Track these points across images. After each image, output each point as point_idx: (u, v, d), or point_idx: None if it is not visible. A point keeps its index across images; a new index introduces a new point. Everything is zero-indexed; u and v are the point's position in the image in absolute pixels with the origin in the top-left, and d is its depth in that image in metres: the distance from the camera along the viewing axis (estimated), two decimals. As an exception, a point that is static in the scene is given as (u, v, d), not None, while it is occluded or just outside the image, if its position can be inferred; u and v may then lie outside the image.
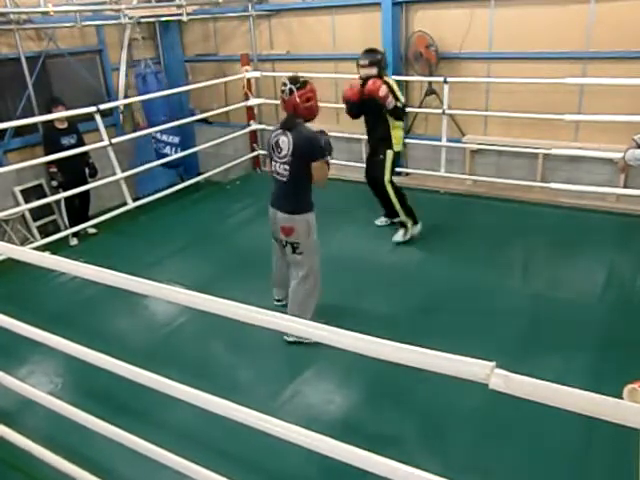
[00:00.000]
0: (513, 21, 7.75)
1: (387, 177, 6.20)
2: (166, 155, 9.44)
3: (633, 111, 6.55)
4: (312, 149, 4.48)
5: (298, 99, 4.46)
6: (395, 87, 6.06)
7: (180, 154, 9.22)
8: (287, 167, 4.52)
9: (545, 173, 7.82)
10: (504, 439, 3.60)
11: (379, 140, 6.27)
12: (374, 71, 5.99)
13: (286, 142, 4.49)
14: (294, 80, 4.53)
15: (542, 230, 6.54)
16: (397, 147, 6.26)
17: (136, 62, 10.06)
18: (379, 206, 6.58)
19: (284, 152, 4.51)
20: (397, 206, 6.25)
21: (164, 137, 9.67)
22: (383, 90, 5.81)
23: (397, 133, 6.22)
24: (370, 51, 6.14)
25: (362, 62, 6.06)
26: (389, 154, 6.20)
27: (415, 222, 6.36)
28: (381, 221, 6.86)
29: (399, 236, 6.34)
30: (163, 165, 9.04)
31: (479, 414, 3.77)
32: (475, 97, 8.12)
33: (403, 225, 6.35)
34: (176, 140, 9.78)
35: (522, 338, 4.60)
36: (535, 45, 7.63)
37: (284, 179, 4.59)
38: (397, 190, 6.29)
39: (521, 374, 1.68)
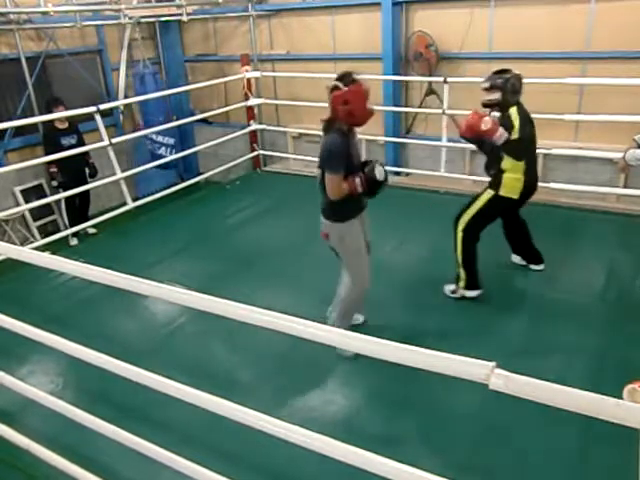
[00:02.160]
0: (513, 21, 7.76)
1: (464, 223, 5.10)
2: (161, 156, 9.45)
3: (633, 111, 6.56)
4: (323, 159, 4.09)
5: (334, 99, 4.00)
6: (514, 117, 4.86)
7: (175, 156, 9.23)
8: (318, 171, 4.18)
9: (545, 173, 7.81)
10: (504, 439, 3.60)
11: (491, 175, 5.16)
12: (496, 96, 4.92)
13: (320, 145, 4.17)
14: (341, 77, 4.03)
15: (542, 230, 6.52)
16: (503, 191, 4.99)
17: (136, 62, 10.07)
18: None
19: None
20: (459, 257, 5.15)
21: (159, 138, 9.69)
22: (487, 123, 4.78)
23: (511, 176, 4.96)
24: (497, 72, 4.98)
25: (482, 85, 5.02)
26: (484, 196, 5.07)
27: (472, 287, 5.16)
28: (515, 258, 5.76)
29: (447, 289, 5.31)
30: (158, 166, 9.03)
31: (479, 413, 3.77)
32: (475, 97, 8.09)
33: (457, 278, 5.22)
34: (171, 141, 9.80)
35: (522, 338, 4.60)
36: (535, 45, 7.64)
37: (318, 180, 4.22)
38: (468, 245, 5.12)
39: (521, 374, 1.68)
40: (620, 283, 5.35)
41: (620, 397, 1.60)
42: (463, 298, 5.10)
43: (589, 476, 3.34)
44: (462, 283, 5.16)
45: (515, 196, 5.00)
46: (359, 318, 4.82)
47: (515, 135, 4.83)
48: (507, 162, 4.95)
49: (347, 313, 4.58)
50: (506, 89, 4.87)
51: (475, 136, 4.99)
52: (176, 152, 9.46)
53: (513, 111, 4.88)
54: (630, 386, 1.61)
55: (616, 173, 7.13)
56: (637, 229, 6.47)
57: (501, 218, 5.38)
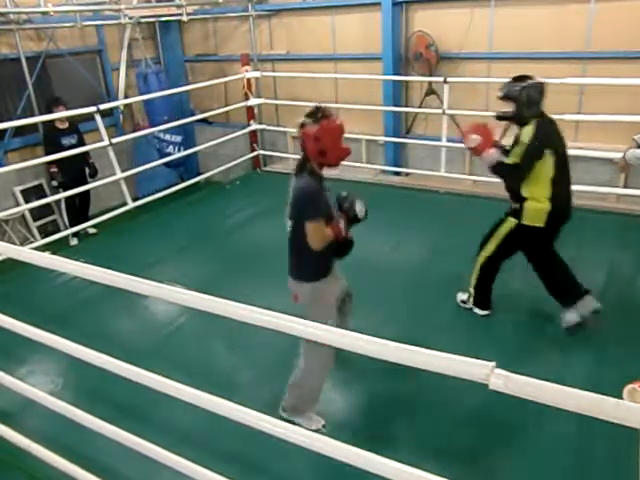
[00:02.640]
0: (513, 21, 7.76)
1: (488, 252, 4.72)
2: (169, 154, 9.46)
3: (633, 111, 6.56)
4: (300, 206, 3.50)
5: (305, 136, 3.47)
6: (525, 135, 4.27)
7: (183, 153, 9.26)
8: (289, 221, 3.61)
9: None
10: (504, 438, 3.60)
11: (514, 199, 4.57)
12: (510, 108, 4.33)
13: (290, 190, 3.58)
14: (311, 112, 3.48)
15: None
16: (527, 220, 4.43)
17: (136, 62, 10.07)
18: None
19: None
20: (473, 280, 4.85)
21: (167, 136, 9.70)
22: (472, 141, 4.41)
23: (533, 205, 4.38)
24: (517, 78, 4.36)
25: (497, 94, 4.44)
26: (506, 225, 4.58)
27: (481, 306, 4.91)
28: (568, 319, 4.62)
29: (459, 297, 5.07)
30: (166, 165, 9.05)
31: (479, 413, 3.77)
32: (475, 97, 8.11)
33: (470, 293, 4.94)
34: (178, 139, 9.81)
35: (522, 337, 4.61)
36: (535, 45, 7.64)
37: (289, 235, 3.65)
38: (487, 273, 4.81)
39: (521, 374, 1.68)
40: (620, 283, 5.35)
41: (620, 397, 1.60)
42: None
43: (589, 476, 3.34)
44: (471, 298, 4.95)
45: (540, 224, 4.39)
46: (320, 420, 3.85)
47: (513, 158, 4.34)
48: (527, 188, 4.38)
49: (298, 409, 3.86)
50: (520, 100, 4.22)
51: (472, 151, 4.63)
52: (185, 149, 9.47)
53: (529, 129, 4.23)
54: (630, 386, 1.61)
55: (616, 173, 7.13)
56: (637, 229, 6.47)
57: (533, 255, 4.67)
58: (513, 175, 4.40)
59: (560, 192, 4.36)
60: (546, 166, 4.26)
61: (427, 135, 8.83)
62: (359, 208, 3.64)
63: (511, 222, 4.53)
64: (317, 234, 3.46)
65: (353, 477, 2.43)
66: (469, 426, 3.74)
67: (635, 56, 7.03)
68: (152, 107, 9.62)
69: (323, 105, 3.53)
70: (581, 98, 7.50)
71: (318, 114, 3.46)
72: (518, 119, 4.36)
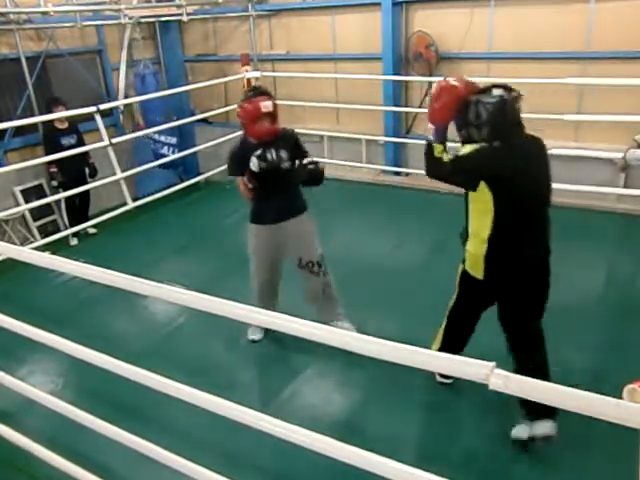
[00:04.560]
0: (513, 21, 7.76)
1: (452, 299, 3.84)
2: (164, 156, 9.45)
3: (633, 111, 6.55)
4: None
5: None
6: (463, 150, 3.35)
7: (178, 155, 9.24)
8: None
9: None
10: (503, 440, 3.60)
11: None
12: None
13: None
14: (247, 91, 4.47)
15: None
16: (467, 265, 3.54)
17: (137, 62, 10.07)
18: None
19: None
20: (439, 333, 3.91)
21: (162, 138, 9.68)
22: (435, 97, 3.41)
23: (473, 241, 3.44)
24: (483, 90, 3.30)
25: None
26: (459, 271, 3.70)
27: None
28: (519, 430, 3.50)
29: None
30: (160, 166, 9.02)
31: (477, 413, 3.77)
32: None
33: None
34: (173, 140, 9.79)
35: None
36: (535, 45, 7.63)
37: None
38: (454, 327, 3.88)
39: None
40: (620, 283, 5.35)
41: (620, 397, 1.60)
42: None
43: (591, 476, 3.34)
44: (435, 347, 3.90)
45: (478, 275, 3.43)
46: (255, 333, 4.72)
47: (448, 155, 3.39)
48: (478, 213, 3.37)
49: (256, 297, 4.65)
50: (468, 118, 3.29)
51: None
52: (179, 151, 9.46)
53: (470, 146, 3.30)
54: (630, 386, 1.61)
55: (616, 173, 7.13)
56: (638, 229, 6.47)
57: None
58: (434, 167, 3.46)
59: (516, 234, 3.34)
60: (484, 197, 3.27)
61: (427, 135, 8.81)
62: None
63: (460, 267, 3.65)
64: (239, 186, 4.32)
65: (353, 477, 2.43)
66: (467, 425, 3.74)
67: (635, 56, 7.02)
68: (148, 108, 9.63)
69: (260, 85, 4.44)
70: (581, 98, 7.50)
71: (249, 93, 4.25)
72: (462, 139, 3.40)
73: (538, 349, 3.57)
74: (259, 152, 4.14)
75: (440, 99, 3.36)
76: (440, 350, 3.62)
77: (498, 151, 3.23)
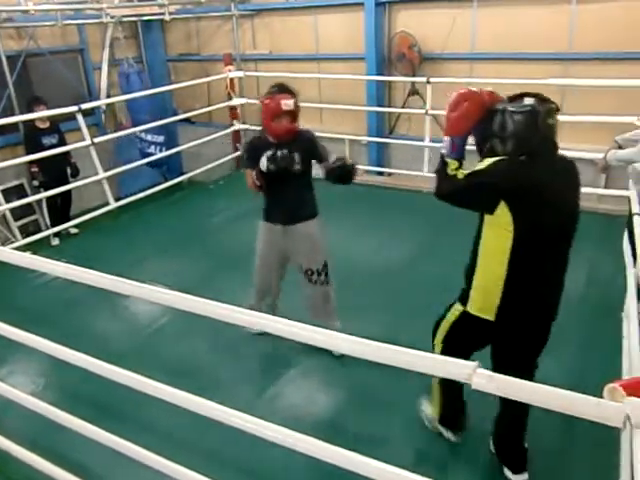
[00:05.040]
0: (495, 22, 7.81)
1: (439, 335, 3.36)
2: (151, 154, 9.43)
3: (614, 112, 6.60)
4: None
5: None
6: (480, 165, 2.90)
7: (165, 153, 9.23)
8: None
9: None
10: (486, 437, 3.61)
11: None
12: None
13: None
14: (271, 87, 4.24)
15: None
16: (472, 308, 3.10)
17: (119, 61, 10.02)
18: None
19: None
20: (434, 385, 3.48)
21: (148, 137, 9.67)
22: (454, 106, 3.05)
23: (482, 283, 3.05)
24: (515, 97, 2.93)
25: None
26: (453, 312, 3.27)
27: (447, 426, 3.56)
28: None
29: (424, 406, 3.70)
30: (147, 164, 9.01)
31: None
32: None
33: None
34: (160, 139, 9.77)
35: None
36: (517, 46, 7.68)
37: None
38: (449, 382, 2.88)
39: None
40: (601, 283, 5.38)
41: (601, 396, 1.61)
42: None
43: (572, 473, 3.36)
44: (432, 411, 3.62)
45: (490, 317, 3.01)
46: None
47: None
48: (487, 242, 3.00)
49: (253, 292, 4.74)
50: (492, 129, 2.90)
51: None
52: (167, 149, 9.44)
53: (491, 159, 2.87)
54: (610, 385, 1.62)
55: (597, 174, 7.18)
56: (618, 229, 6.52)
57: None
58: (447, 187, 2.99)
59: (536, 277, 3.03)
60: (501, 224, 2.83)
61: (410, 135, 8.86)
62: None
63: (456, 311, 3.25)
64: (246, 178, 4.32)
65: (337, 477, 2.43)
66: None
67: (616, 57, 7.09)
68: (134, 107, 9.59)
69: (284, 84, 4.18)
70: (563, 99, 7.54)
71: (273, 89, 4.15)
72: (482, 154, 2.99)
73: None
74: (271, 152, 4.13)
75: (460, 106, 2.99)
76: (443, 414, 3.52)
77: (522, 164, 2.84)
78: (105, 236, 7.25)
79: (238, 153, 9.66)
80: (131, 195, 7.84)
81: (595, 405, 1.56)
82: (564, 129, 7.57)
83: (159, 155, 9.22)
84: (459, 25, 8.02)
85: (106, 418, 3.33)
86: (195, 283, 5.29)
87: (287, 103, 4.06)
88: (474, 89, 3.02)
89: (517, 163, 2.83)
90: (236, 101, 9.43)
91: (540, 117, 2.80)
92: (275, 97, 4.07)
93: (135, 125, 9.11)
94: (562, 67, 7.49)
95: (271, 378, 4.29)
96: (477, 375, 1.68)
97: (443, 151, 2.98)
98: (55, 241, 7.85)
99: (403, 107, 8.79)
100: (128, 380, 2.65)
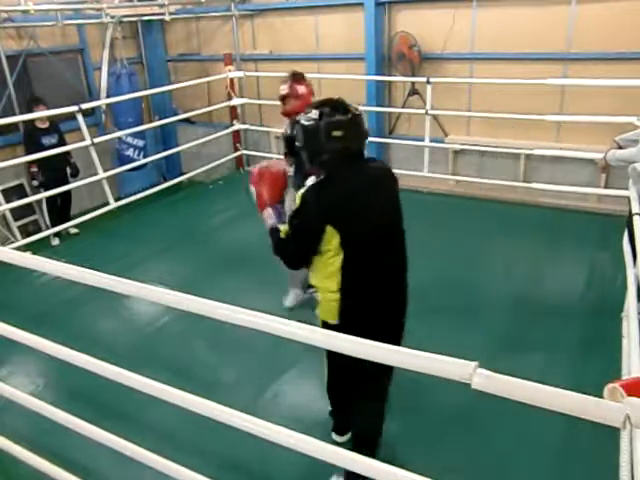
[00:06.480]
0: (495, 22, 7.79)
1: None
2: (128, 157, 9.43)
3: (614, 112, 6.60)
4: None
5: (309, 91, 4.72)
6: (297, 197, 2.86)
7: (149, 159, 9.19)
8: None
9: (527, 173, 7.87)
10: (488, 438, 3.62)
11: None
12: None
13: None
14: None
15: (524, 230, 6.58)
16: (321, 311, 3.06)
17: (115, 62, 10.03)
18: None
19: None
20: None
21: (128, 139, 9.63)
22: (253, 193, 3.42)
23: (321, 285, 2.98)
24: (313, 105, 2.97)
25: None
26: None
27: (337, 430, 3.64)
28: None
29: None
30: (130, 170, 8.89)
31: (463, 412, 3.78)
32: (458, 97, 8.14)
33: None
34: (140, 143, 9.75)
35: (505, 337, 4.62)
36: (517, 46, 7.67)
37: None
38: (333, 387, 3.54)
39: (504, 373, 1.68)
40: (601, 282, 5.39)
41: (601, 396, 1.61)
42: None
43: (572, 474, 3.36)
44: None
45: (332, 320, 2.96)
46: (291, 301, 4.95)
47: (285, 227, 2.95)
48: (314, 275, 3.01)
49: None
50: (298, 141, 2.90)
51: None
52: (146, 154, 9.42)
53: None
54: (610, 385, 1.62)
55: (597, 174, 7.19)
56: (618, 229, 6.52)
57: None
58: (285, 252, 2.97)
59: (364, 282, 2.94)
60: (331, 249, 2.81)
61: (410, 135, 8.84)
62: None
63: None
64: None
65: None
66: (454, 424, 3.75)
67: (616, 57, 7.08)
68: (117, 109, 9.60)
69: (293, 70, 4.69)
70: (562, 99, 7.55)
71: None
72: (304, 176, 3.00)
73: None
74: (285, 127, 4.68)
75: (263, 179, 3.30)
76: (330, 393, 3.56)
77: (323, 185, 2.82)
78: (105, 236, 7.26)
79: (238, 153, 9.67)
80: (131, 195, 7.84)
81: (595, 405, 1.56)
82: (564, 129, 7.64)
83: (142, 161, 9.13)
84: (459, 25, 8.01)
85: (106, 418, 3.33)
86: (195, 283, 5.30)
87: (282, 88, 4.63)
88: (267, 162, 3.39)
89: (319, 185, 2.82)
90: (236, 101, 9.43)
91: (321, 130, 2.74)
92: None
93: (118, 127, 9.13)
94: (562, 67, 7.48)
95: (271, 378, 4.29)
96: (477, 375, 1.67)
97: (270, 222, 3.08)
98: (55, 241, 7.85)
99: (403, 107, 8.78)
100: (128, 380, 2.64)
